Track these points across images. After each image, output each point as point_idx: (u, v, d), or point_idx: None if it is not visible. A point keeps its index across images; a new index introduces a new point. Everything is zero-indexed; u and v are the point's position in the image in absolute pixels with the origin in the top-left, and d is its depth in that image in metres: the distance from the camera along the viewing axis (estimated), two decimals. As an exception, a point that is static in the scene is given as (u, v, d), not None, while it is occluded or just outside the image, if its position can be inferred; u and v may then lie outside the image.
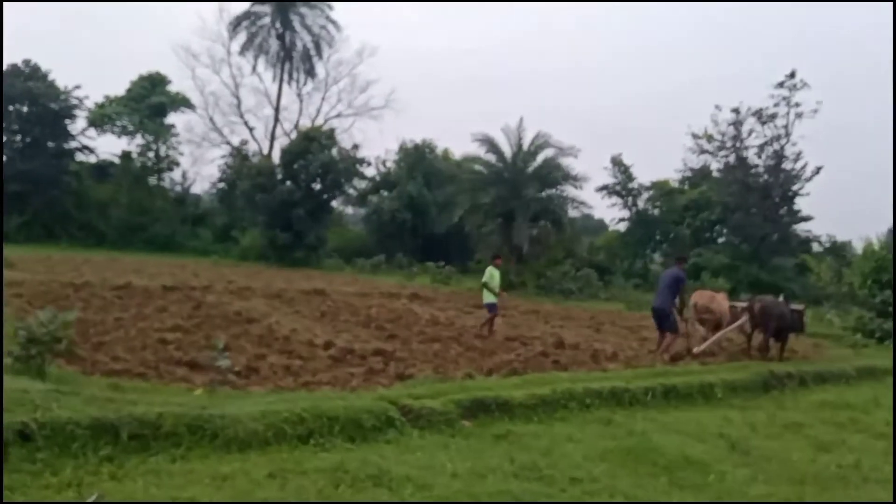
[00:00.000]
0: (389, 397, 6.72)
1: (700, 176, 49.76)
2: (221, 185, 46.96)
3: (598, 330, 16.42)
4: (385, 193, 45.56)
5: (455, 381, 8.14)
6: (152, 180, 44.79)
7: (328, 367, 9.01)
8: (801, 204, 45.64)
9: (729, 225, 45.66)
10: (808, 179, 44.47)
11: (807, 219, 45.51)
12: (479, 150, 29.83)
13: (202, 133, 47.10)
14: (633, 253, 48.74)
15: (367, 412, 6.10)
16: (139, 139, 43.97)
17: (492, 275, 14.01)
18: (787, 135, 44.35)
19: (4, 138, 37.41)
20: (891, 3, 35.10)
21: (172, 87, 45.50)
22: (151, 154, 44.69)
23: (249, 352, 9.49)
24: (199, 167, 59.29)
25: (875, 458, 7.00)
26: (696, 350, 12.72)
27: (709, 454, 6.52)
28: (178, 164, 45.74)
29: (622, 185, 48.13)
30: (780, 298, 13.53)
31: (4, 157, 37.54)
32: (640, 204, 49.26)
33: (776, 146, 44.43)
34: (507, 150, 29.37)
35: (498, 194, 27.62)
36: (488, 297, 13.87)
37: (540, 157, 29.18)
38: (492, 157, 29.56)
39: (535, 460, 5.70)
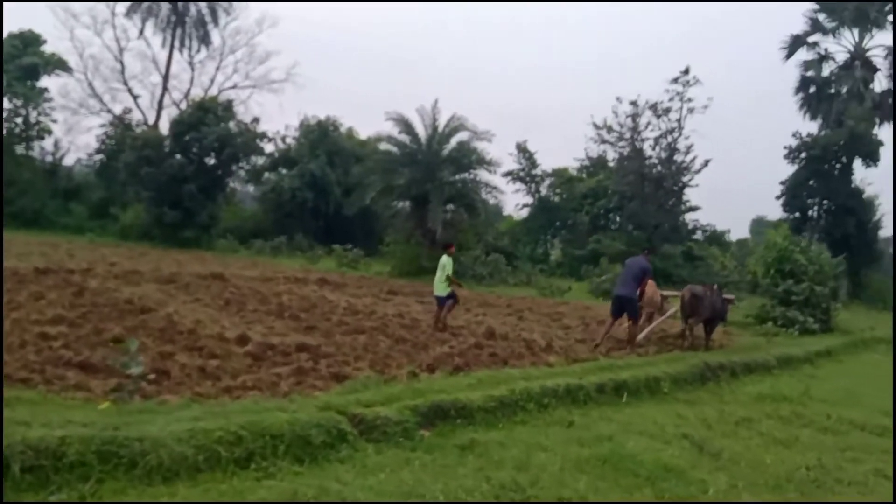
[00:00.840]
0: (335, 406, 5.85)
1: (597, 165, 51.03)
2: (99, 156, 43.38)
3: (521, 318, 16.02)
4: (284, 171, 43.62)
5: (399, 381, 7.33)
6: (20, 149, 40.60)
7: (248, 366, 7.97)
8: (689, 194, 47.48)
9: (625, 213, 47.06)
10: (697, 171, 46.52)
11: (694, 209, 47.46)
12: (393, 131, 28.80)
13: (79, 99, 43.31)
14: (534, 239, 49.41)
15: (315, 426, 5.23)
16: (6, 103, 39.66)
17: (448, 265, 12.99)
18: (680, 128, 46.21)
19: None
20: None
21: (47, 48, 41.44)
22: (20, 120, 40.51)
23: (152, 349, 8.23)
24: (74, 136, 55.16)
25: (832, 457, 6.86)
26: (640, 338, 12.77)
27: (682, 459, 6.12)
28: (50, 132, 41.76)
29: (526, 172, 48.54)
30: (716, 287, 13.56)
31: None
32: (543, 191, 49.92)
33: (670, 139, 46.22)
34: (422, 132, 28.51)
35: (412, 176, 26.74)
36: (441, 289, 12.90)
37: (454, 140, 28.55)
38: (405, 139, 28.59)
39: (514, 477, 5.04)
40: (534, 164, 48.97)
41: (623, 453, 5.85)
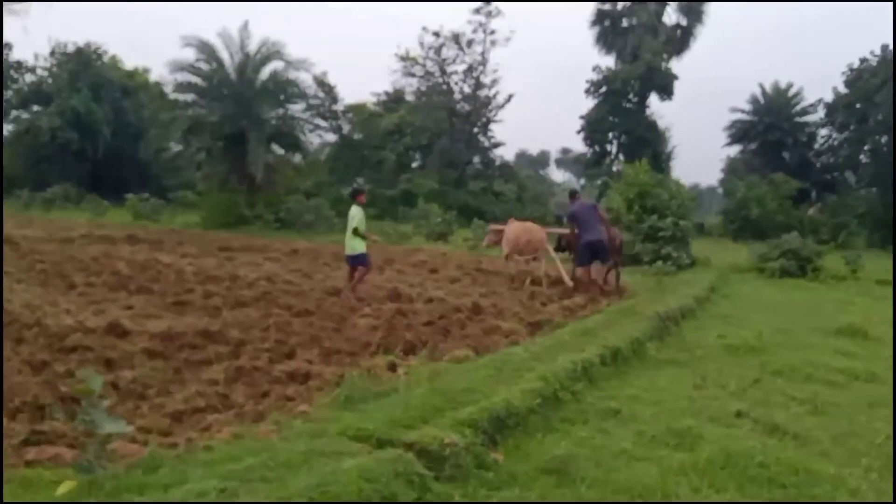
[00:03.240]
0: (368, 433, 4.22)
1: (397, 100, 49.99)
2: None
3: (401, 272, 14.60)
4: (38, 108, 36.92)
5: (395, 378, 5.75)
6: None
7: (173, 375, 5.84)
8: (494, 130, 48.35)
9: (434, 150, 46.75)
10: (501, 107, 47.49)
11: (500, 144, 48.44)
12: (195, 60, 24.87)
13: None
14: (339, 179, 47.38)
15: (395, 477, 3.60)
16: None
17: (358, 218, 10.98)
18: (485, 62, 46.48)
19: None
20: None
21: None
22: None
23: (12, 360, 5.75)
24: None
25: (867, 416, 6.40)
26: (568, 283, 12.66)
27: (784, 450, 5.14)
28: None
29: (326, 108, 46.01)
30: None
31: None
32: (345, 128, 47.88)
33: (475, 73, 46.36)
34: (228, 60, 25.06)
35: (224, 112, 23.33)
36: (356, 246, 10.85)
37: (267, 70, 25.49)
38: (206, 67, 24.93)
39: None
40: (335, 100, 46.60)
41: (729, 451, 4.85)
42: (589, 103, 45.14)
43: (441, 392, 5.05)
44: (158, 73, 42.19)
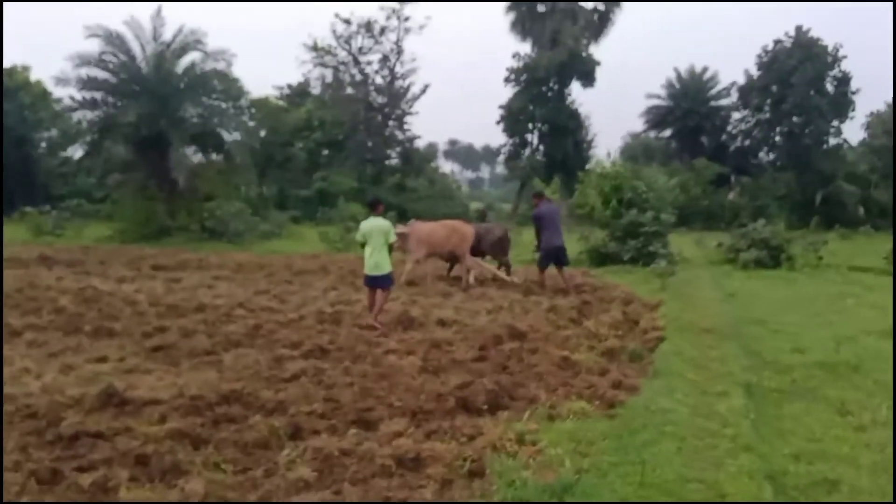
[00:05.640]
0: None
1: (302, 94, 47.92)
2: None
3: (415, 284, 13.15)
4: None
5: (535, 454, 4.56)
6: None
7: (212, 464, 4.43)
8: (410, 122, 47.00)
9: (350, 146, 44.87)
10: (417, 98, 46.13)
11: (416, 137, 47.20)
12: (101, 52, 22.14)
13: None
14: (246, 180, 44.70)
15: None
16: None
17: (390, 232, 9.68)
18: (400, 51, 44.96)
19: None
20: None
21: None
22: None
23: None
24: None
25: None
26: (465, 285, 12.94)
27: None
28: None
29: (232, 102, 43.24)
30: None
31: None
32: (252, 125, 45.28)
33: (389, 63, 44.78)
34: (139, 52, 22.50)
35: (140, 111, 20.76)
36: (384, 265, 9.44)
37: (184, 63, 23.11)
38: (115, 60, 22.29)
39: None
40: (240, 94, 43.92)
41: None
42: (508, 92, 44.51)
43: (655, 487, 3.89)
44: (46, 69, 38.48)
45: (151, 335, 8.53)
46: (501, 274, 13.84)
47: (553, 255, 12.49)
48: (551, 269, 12.74)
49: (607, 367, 6.89)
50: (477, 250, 13.80)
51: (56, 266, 15.42)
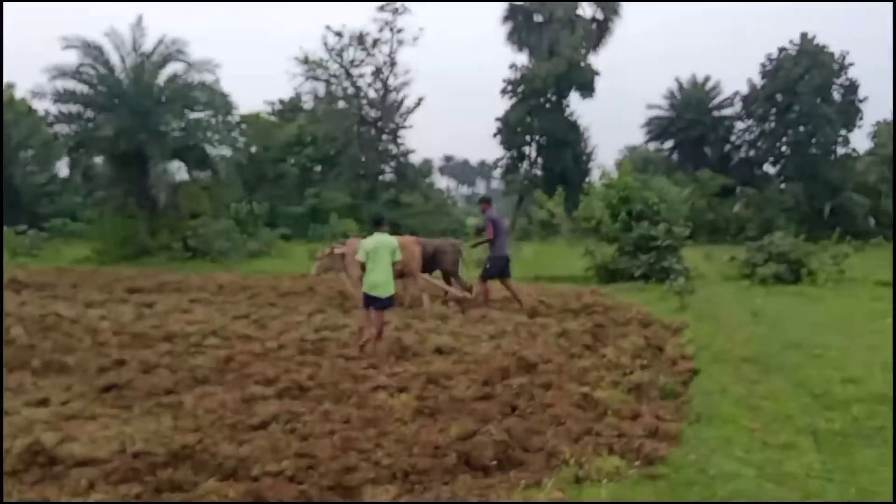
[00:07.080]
0: None
1: (294, 109, 47.19)
2: None
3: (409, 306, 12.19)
4: None
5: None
6: None
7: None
8: (404, 136, 46.20)
9: (344, 162, 43.99)
10: (411, 111, 45.30)
11: (411, 151, 46.39)
12: (79, 65, 21.18)
13: None
14: (239, 196, 43.75)
15: None
16: None
17: (396, 250, 8.89)
18: (393, 63, 44.14)
19: None
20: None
21: None
22: None
23: None
24: None
25: None
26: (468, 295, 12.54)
27: None
28: None
29: (222, 117, 42.35)
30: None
31: None
32: (242, 140, 44.37)
33: (383, 76, 43.95)
34: (118, 64, 21.56)
35: (119, 125, 19.76)
36: (388, 285, 8.58)
37: (165, 74, 22.17)
38: (92, 72, 21.34)
39: None
40: (229, 110, 43.04)
41: None
42: (505, 104, 43.70)
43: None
44: (32, 84, 37.74)
45: (107, 370, 7.53)
46: (453, 289, 12.99)
47: (500, 266, 12.31)
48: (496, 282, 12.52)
49: (637, 407, 5.86)
50: (440, 268, 13.09)
51: (25, 290, 14.46)
